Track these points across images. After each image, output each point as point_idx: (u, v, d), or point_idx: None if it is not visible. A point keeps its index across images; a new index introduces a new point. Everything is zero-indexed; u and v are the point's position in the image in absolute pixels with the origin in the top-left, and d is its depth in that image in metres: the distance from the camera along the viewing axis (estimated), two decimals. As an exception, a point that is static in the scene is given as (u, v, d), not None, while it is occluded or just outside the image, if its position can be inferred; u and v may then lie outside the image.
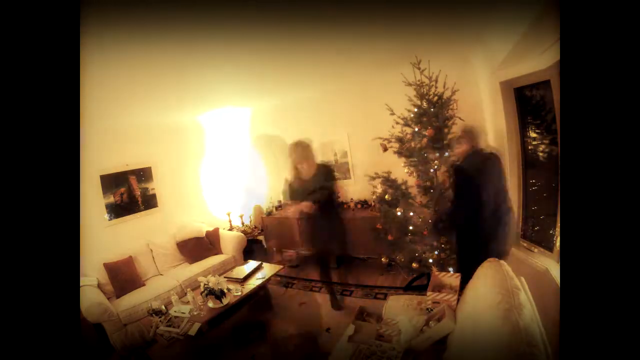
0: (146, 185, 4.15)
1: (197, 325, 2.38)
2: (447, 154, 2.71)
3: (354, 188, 4.17)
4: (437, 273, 2.18)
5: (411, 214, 2.88)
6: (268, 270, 3.29)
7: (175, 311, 2.54)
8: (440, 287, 2.06)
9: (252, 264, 3.37)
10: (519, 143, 2.57)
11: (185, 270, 3.64)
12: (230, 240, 4.11)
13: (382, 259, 3.32)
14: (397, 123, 2.88)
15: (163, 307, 2.57)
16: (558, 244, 2.21)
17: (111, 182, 3.77)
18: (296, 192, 2.75)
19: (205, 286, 2.62)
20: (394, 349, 1.74)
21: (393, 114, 2.89)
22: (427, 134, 2.66)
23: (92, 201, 3.59)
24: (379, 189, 3.07)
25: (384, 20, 1.91)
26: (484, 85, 2.97)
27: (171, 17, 1.43)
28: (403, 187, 2.91)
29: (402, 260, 3.02)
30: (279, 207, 4.65)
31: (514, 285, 1.45)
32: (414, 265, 2.91)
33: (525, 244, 2.59)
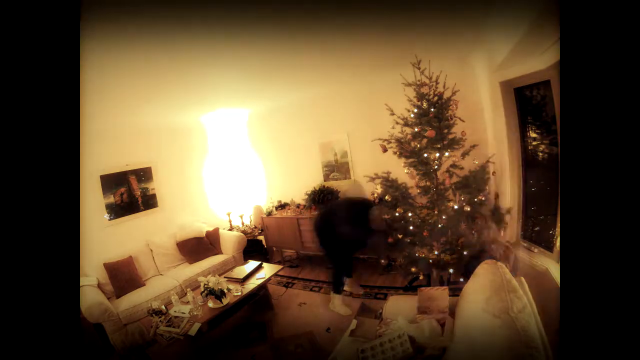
0: (146, 185, 4.15)
1: (197, 325, 2.37)
2: (447, 154, 2.70)
3: (354, 188, 4.16)
4: (422, 289, 2.08)
5: (410, 214, 2.87)
6: (268, 270, 3.29)
7: (175, 311, 2.54)
8: (428, 307, 1.97)
9: (252, 264, 3.36)
10: (519, 143, 2.57)
11: (185, 270, 3.64)
12: (230, 240, 4.11)
13: (382, 261, 3.30)
14: (397, 123, 2.88)
15: (163, 307, 2.57)
16: (558, 244, 2.20)
17: (111, 182, 3.77)
18: None
19: (205, 286, 2.62)
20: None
21: (393, 114, 2.88)
22: (427, 135, 2.66)
23: (92, 201, 3.58)
24: (379, 190, 3.07)
25: (384, 21, 1.91)
26: (484, 85, 2.96)
27: (172, 17, 1.43)
28: (403, 187, 2.91)
29: (402, 262, 3.01)
30: (279, 207, 4.65)
31: (511, 286, 1.45)
32: (413, 269, 2.89)
33: (525, 244, 2.59)
